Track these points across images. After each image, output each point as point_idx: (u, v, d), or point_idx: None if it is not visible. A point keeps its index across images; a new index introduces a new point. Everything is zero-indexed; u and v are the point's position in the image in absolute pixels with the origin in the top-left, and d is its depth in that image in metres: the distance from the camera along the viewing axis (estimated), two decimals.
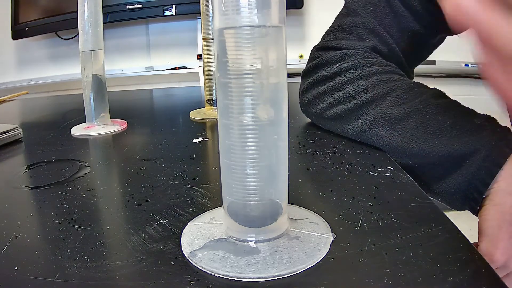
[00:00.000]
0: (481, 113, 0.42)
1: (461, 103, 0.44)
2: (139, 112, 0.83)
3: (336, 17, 0.54)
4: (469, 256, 0.25)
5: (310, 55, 0.55)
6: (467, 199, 0.39)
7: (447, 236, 0.27)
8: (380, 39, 0.50)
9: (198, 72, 1.84)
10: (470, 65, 1.85)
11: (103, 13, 0.60)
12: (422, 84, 0.47)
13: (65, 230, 0.30)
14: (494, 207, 0.37)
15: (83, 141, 0.58)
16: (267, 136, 0.25)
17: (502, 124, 0.41)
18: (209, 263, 0.25)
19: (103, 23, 0.61)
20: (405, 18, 0.48)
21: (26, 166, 0.47)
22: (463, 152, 0.39)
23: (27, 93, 1.28)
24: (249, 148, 0.25)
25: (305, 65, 0.55)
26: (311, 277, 0.24)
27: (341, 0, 0.53)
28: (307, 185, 0.38)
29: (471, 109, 0.43)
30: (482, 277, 0.23)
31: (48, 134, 0.62)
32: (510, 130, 0.40)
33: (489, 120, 0.41)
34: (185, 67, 1.91)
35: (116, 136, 0.59)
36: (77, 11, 0.58)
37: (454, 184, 0.39)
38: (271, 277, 0.24)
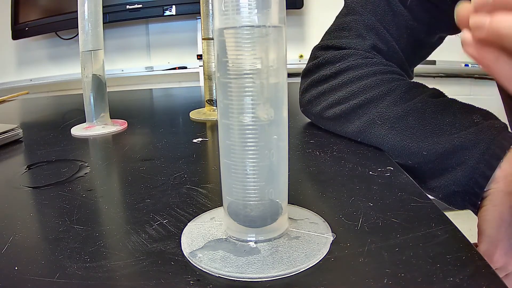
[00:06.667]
0: (480, 108, 0.43)
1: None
2: (139, 112, 0.83)
3: (336, 17, 0.54)
4: (469, 256, 0.25)
5: (310, 54, 0.55)
6: (468, 194, 0.39)
7: (447, 236, 0.27)
8: (380, 37, 0.50)
9: (198, 72, 1.84)
10: (470, 65, 1.85)
11: (103, 13, 0.60)
12: (422, 84, 0.47)
13: (65, 230, 0.30)
14: (494, 207, 0.37)
15: (83, 141, 0.58)
16: (267, 136, 0.25)
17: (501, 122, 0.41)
18: (209, 263, 0.25)
19: (103, 23, 0.61)
20: (403, 16, 0.48)
21: (26, 166, 0.47)
22: (462, 147, 0.39)
23: (27, 93, 1.28)
24: (249, 148, 0.25)
25: (305, 64, 0.55)
26: (311, 277, 0.24)
27: (340, 0, 0.53)
28: (307, 185, 0.38)
29: (470, 105, 0.43)
30: (482, 277, 0.23)
31: (48, 134, 0.62)
32: (508, 126, 0.41)
33: (488, 116, 0.41)
34: (185, 67, 1.91)
35: (116, 136, 0.59)
36: (77, 11, 0.58)
37: (454, 181, 0.39)
38: (271, 277, 0.24)
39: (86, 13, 0.58)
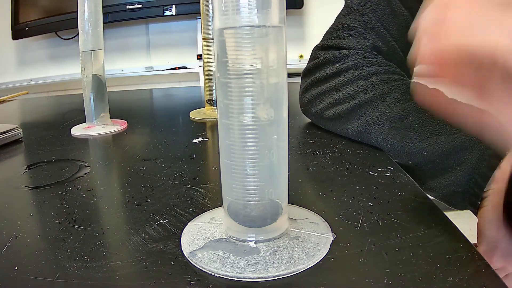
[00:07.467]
0: None
1: None
2: (139, 112, 0.83)
3: (337, 17, 0.54)
4: (469, 256, 0.25)
5: (311, 54, 0.55)
6: (468, 195, 0.39)
7: (447, 236, 0.27)
8: (380, 37, 0.50)
9: (198, 72, 1.84)
10: None
11: (103, 13, 0.60)
12: None
13: (65, 230, 0.30)
14: (494, 208, 0.37)
15: (83, 141, 0.58)
16: (267, 136, 0.25)
17: None
18: (209, 263, 0.25)
19: (103, 23, 0.61)
20: (404, 16, 0.48)
21: (26, 166, 0.47)
22: (462, 147, 0.39)
23: (27, 93, 1.28)
24: (249, 148, 0.25)
25: (306, 64, 0.55)
26: (311, 277, 0.24)
27: (341, 0, 0.54)
28: (307, 185, 0.38)
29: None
30: (482, 277, 0.23)
31: (48, 134, 0.62)
32: None
33: None
34: (185, 67, 1.92)
35: (116, 136, 0.59)
36: (77, 11, 0.58)
37: (454, 181, 0.39)
38: (271, 277, 0.24)
39: (86, 13, 0.58)
